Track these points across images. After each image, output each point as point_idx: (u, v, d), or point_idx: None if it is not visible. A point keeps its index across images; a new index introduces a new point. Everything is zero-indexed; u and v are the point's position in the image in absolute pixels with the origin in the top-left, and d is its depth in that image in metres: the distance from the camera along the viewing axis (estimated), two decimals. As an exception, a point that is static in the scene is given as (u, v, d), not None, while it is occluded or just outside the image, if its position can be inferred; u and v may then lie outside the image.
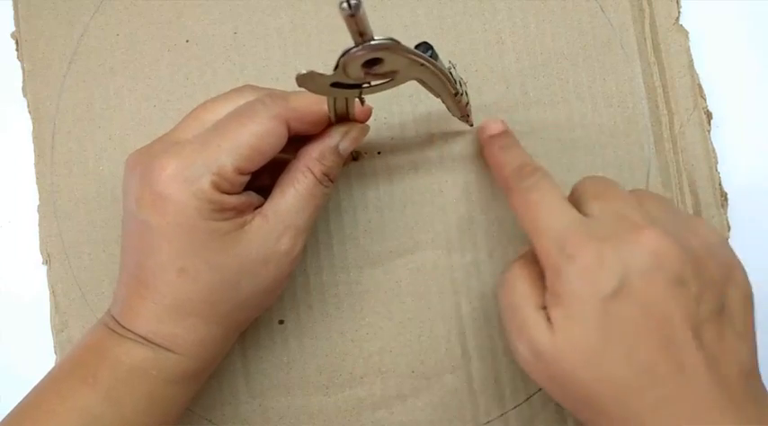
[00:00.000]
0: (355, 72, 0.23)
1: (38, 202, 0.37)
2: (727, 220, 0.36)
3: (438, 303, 0.36)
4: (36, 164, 0.37)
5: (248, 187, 0.29)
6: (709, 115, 0.36)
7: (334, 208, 0.36)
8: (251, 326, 0.32)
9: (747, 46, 0.37)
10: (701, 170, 0.36)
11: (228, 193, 0.27)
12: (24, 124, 0.37)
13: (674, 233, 0.26)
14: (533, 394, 0.35)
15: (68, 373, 0.28)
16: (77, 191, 0.37)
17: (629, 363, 0.25)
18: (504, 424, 0.35)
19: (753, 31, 0.37)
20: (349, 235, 0.36)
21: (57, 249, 0.36)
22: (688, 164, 0.36)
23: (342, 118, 0.30)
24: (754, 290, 0.28)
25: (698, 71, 0.36)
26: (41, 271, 0.37)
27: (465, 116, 0.33)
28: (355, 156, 0.36)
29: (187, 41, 0.37)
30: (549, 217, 0.27)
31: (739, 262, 0.28)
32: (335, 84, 0.24)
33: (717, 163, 0.36)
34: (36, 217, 0.37)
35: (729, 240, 0.36)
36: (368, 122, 0.31)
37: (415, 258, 0.36)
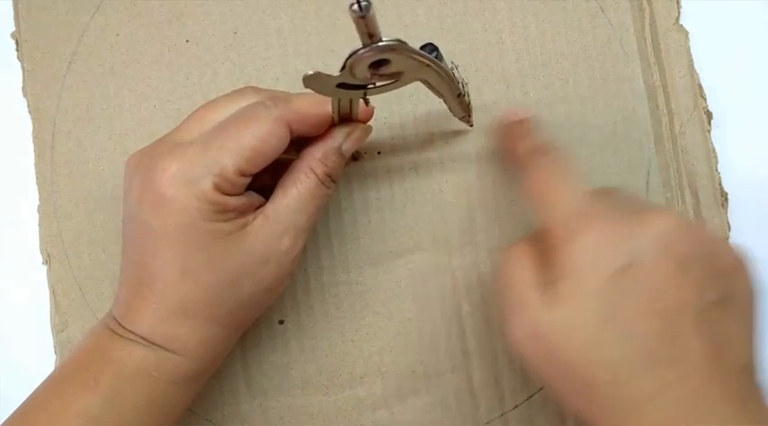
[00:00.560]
0: (362, 73, 0.23)
1: (38, 202, 0.37)
2: (727, 220, 0.36)
3: (438, 303, 0.36)
4: (36, 164, 0.37)
5: (249, 187, 0.29)
6: (709, 115, 0.36)
7: (334, 208, 0.36)
8: (251, 327, 0.32)
9: (747, 46, 0.37)
10: (701, 170, 0.36)
11: (230, 195, 0.27)
12: (24, 124, 0.37)
13: (687, 222, 0.27)
14: (533, 394, 0.35)
15: (70, 376, 0.28)
16: (77, 191, 0.37)
17: (629, 344, 0.25)
18: (504, 424, 0.35)
19: (753, 31, 0.37)
20: (349, 235, 0.36)
21: (57, 249, 0.36)
22: (688, 164, 0.36)
23: (345, 118, 0.30)
24: (754, 290, 0.28)
25: (698, 71, 0.36)
26: (41, 271, 0.37)
27: (467, 116, 0.33)
28: (355, 157, 0.36)
29: (187, 41, 0.37)
30: (566, 189, 0.28)
31: (748, 260, 0.28)
32: (341, 85, 0.24)
33: (717, 163, 0.36)
34: (36, 217, 0.37)
35: (729, 240, 0.36)
36: (368, 122, 0.31)
37: (415, 258, 0.36)
